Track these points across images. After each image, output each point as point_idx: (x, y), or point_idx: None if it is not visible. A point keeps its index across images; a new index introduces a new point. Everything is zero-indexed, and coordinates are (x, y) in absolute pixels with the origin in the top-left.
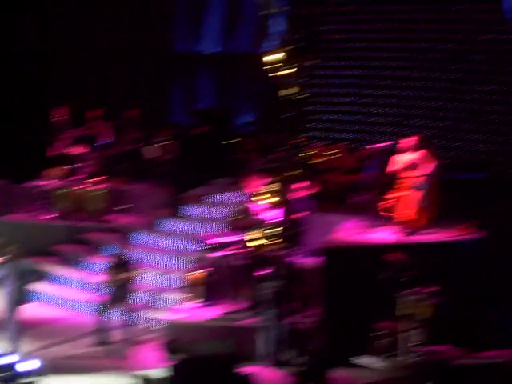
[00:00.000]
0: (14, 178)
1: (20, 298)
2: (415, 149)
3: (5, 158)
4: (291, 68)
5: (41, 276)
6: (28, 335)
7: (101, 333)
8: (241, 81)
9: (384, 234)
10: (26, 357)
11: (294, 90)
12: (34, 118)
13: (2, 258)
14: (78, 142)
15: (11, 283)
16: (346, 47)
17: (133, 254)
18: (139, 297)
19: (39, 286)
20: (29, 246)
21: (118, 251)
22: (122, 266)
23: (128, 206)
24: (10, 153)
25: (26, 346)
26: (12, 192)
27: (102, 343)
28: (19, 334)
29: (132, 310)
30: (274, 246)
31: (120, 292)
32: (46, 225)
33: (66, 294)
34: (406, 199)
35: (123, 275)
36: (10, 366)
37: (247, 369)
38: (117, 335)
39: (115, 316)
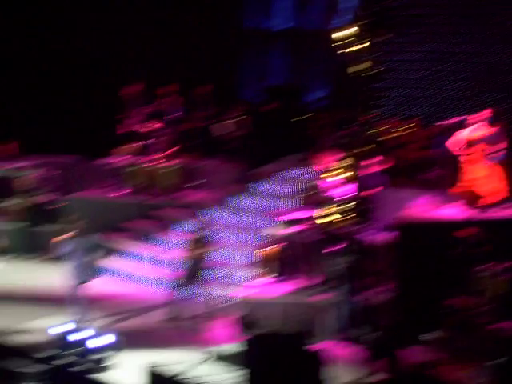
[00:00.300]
0: (87, 155)
1: (88, 272)
2: (488, 123)
3: (79, 134)
4: (363, 43)
5: (108, 251)
6: (99, 310)
7: (173, 308)
8: (312, 56)
9: (457, 210)
10: (98, 332)
11: (366, 65)
12: (108, 95)
13: (71, 232)
14: (149, 118)
15: (79, 258)
16: (419, 21)
17: (206, 230)
18: (212, 273)
19: (111, 262)
20: (101, 223)
21: (191, 228)
22: (195, 242)
23: (200, 182)
24: (83, 129)
25: (97, 321)
26: (85, 169)
27: (175, 319)
28: (89, 308)
29: (205, 286)
30: (345, 222)
31: (193, 268)
32: (118, 201)
33: (138, 269)
34: (479, 175)
35: (197, 251)
36: (83, 342)
37: (319, 345)
38: (190, 311)
39: (188, 292)
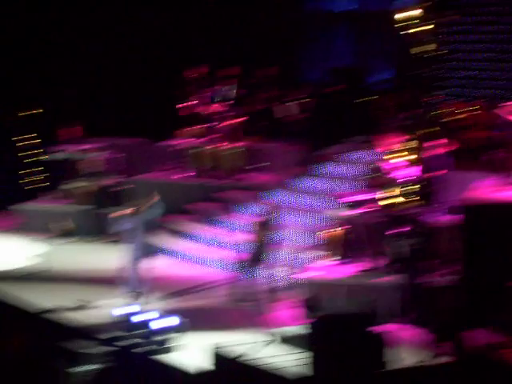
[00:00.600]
0: (151, 137)
1: (146, 251)
2: None
3: (143, 116)
4: (427, 24)
5: (172, 233)
6: (162, 292)
7: (237, 290)
8: (376, 38)
9: None
10: (162, 314)
11: (430, 46)
12: (172, 77)
13: (130, 209)
14: (213, 100)
15: (138, 236)
16: (484, 2)
17: (269, 212)
18: (276, 255)
19: (175, 244)
20: (166, 205)
21: (255, 210)
22: (259, 224)
23: (263, 164)
24: (147, 112)
25: (161, 302)
26: (150, 151)
27: (239, 301)
28: (152, 290)
29: (269, 268)
30: (409, 204)
31: (257, 250)
32: (181, 183)
33: (202, 251)
34: None
35: (260, 233)
36: (146, 323)
37: (382, 327)
38: (254, 293)
39: (252, 274)
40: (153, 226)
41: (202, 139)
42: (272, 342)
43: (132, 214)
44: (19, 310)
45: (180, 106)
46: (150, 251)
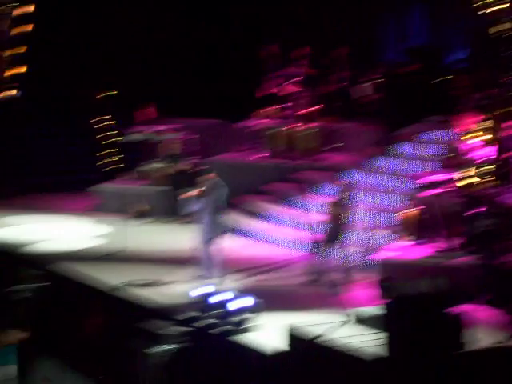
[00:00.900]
0: (226, 118)
1: (217, 231)
2: None
3: (218, 97)
4: (504, 3)
5: (248, 214)
6: (238, 272)
7: (314, 271)
8: (452, 17)
9: None
10: (237, 294)
11: (507, 25)
12: (247, 58)
13: (196, 191)
14: (288, 81)
15: (207, 217)
16: None
17: (345, 193)
18: (352, 236)
19: (250, 224)
20: (241, 185)
21: (331, 190)
22: (335, 204)
23: (338, 144)
24: (222, 93)
25: (237, 283)
26: (226, 132)
27: (315, 281)
28: (227, 270)
29: (345, 249)
30: (485, 185)
31: (333, 231)
32: (257, 164)
33: (277, 232)
34: None
35: (336, 214)
36: (223, 304)
37: (459, 308)
38: (330, 273)
39: (328, 254)
40: (222, 206)
41: (278, 120)
42: (347, 322)
43: (198, 196)
44: (96, 291)
45: (256, 86)
46: (221, 231)
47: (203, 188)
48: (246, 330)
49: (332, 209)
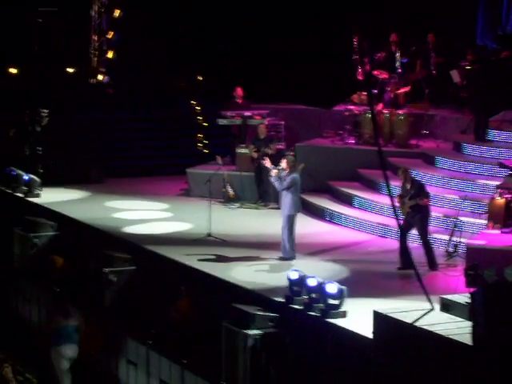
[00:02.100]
0: (317, 103)
1: (296, 208)
2: None
3: (309, 83)
4: None
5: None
6: (328, 257)
7: (402, 257)
8: None
9: None
10: (329, 279)
11: None
12: (336, 44)
13: (276, 169)
14: (380, 67)
15: (288, 194)
16: None
17: (436, 179)
18: (442, 222)
19: (338, 209)
20: (333, 170)
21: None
22: (424, 191)
23: (430, 131)
24: (314, 77)
25: (326, 267)
26: (314, 117)
27: (403, 267)
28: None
29: (432, 236)
30: None
31: (419, 217)
32: (350, 149)
33: (369, 217)
34: None
35: (425, 200)
36: (321, 286)
37: None
38: (417, 260)
39: (416, 240)
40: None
41: (365, 106)
42: (432, 310)
43: (278, 176)
44: (186, 273)
45: (347, 72)
46: (298, 210)
47: (280, 168)
48: (338, 314)
49: (421, 195)
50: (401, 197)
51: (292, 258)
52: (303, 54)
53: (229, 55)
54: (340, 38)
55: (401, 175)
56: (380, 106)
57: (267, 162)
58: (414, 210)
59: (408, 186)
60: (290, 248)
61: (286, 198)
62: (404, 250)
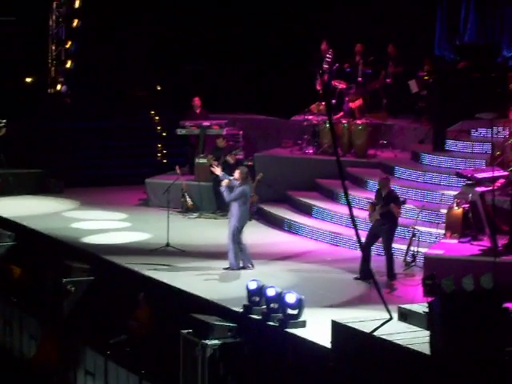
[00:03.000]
0: (276, 113)
1: (244, 220)
2: None
3: (268, 92)
4: None
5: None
6: (285, 267)
7: (362, 267)
8: (506, 12)
9: None
10: (287, 288)
11: None
12: (296, 54)
13: (227, 180)
14: (338, 77)
15: (240, 205)
16: None
17: (394, 189)
18: (400, 232)
19: (297, 219)
20: (292, 180)
21: (379, 186)
22: (383, 201)
23: (387, 141)
24: (271, 88)
25: (283, 276)
26: (273, 127)
27: (361, 278)
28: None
29: (392, 246)
30: None
31: (381, 227)
32: (308, 159)
33: (327, 227)
34: None
35: (384, 210)
36: (280, 296)
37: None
38: (376, 270)
39: (376, 250)
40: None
41: (328, 115)
42: (390, 319)
43: (228, 186)
44: (145, 283)
45: (306, 81)
46: (246, 222)
47: (231, 178)
48: (296, 324)
49: (379, 205)
50: (372, 205)
51: (235, 268)
52: (262, 64)
53: (188, 64)
54: (301, 46)
55: (380, 182)
56: (339, 116)
57: (216, 170)
58: (384, 219)
59: (383, 194)
60: (234, 258)
61: (234, 209)
62: (365, 260)
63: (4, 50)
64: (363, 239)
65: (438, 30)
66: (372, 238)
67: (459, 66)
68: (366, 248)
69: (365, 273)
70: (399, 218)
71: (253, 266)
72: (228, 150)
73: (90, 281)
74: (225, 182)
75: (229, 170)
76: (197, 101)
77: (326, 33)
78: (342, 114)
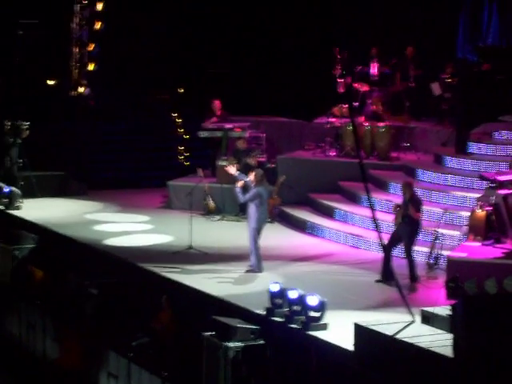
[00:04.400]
0: (297, 116)
1: (261, 221)
2: None
3: (289, 95)
4: None
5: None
6: (308, 269)
7: (384, 269)
8: None
9: None
10: (308, 291)
11: None
12: (317, 58)
13: (241, 181)
14: (361, 79)
15: (254, 206)
16: None
17: (417, 191)
18: (423, 234)
19: (319, 221)
20: (315, 182)
21: (401, 189)
22: (405, 203)
23: (410, 143)
24: (294, 91)
25: (305, 279)
26: (295, 130)
27: (382, 280)
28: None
29: (414, 248)
30: None
31: (403, 230)
32: (331, 161)
33: (349, 230)
34: None
35: (406, 213)
36: (302, 299)
37: None
38: (399, 272)
39: (398, 253)
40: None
41: (350, 118)
42: (413, 322)
43: (243, 187)
44: (167, 285)
45: (328, 84)
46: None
47: (247, 179)
48: (325, 326)
49: (402, 207)
50: (397, 207)
51: (257, 270)
52: (285, 67)
53: (212, 67)
54: (321, 50)
55: (402, 186)
56: (362, 119)
57: (230, 169)
58: (405, 223)
59: (407, 198)
60: (256, 260)
61: (251, 211)
62: (387, 263)
63: (27, 53)
64: (386, 242)
65: (461, 32)
66: (394, 240)
67: (482, 69)
68: (387, 250)
69: (387, 275)
70: (422, 221)
71: (260, 271)
72: (247, 152)
73: (112, 283)
74: (240, 183)
75: (250, 172)
76: (217, 103)
77: (348, 36)
78: (366, 115)
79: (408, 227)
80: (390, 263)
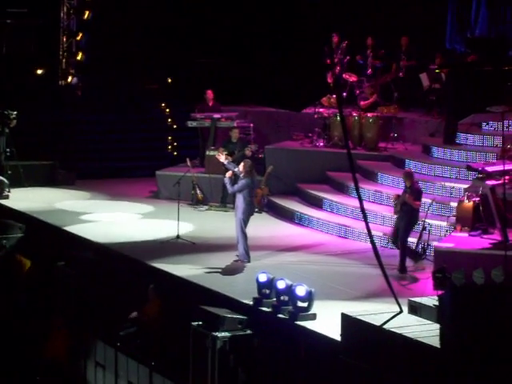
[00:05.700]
0: (290, 106)
1: (248, 212)
2: None
3: (278, 85)
4: None
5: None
6: (297, 259)
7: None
8: None
9: None
10: (298, 281)
11: None
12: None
13: (230, 172)
14: (350, 69)
15: (242, 197)
16: None
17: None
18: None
19: (310, 212)
20: (303, 173)
21: (390, 180)
22: (397, 195)
23: (399, 134)
24: (284, 80)
25: (295, 269)
26: (284, 120)
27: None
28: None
29: (405, 239)
30: None
31: (401, 219)
32: (319, 152)
33: (338, 220)
34: None
35: (397, 204)
36: (291, 289)
37: None
38: (387, 262)
39: (388, 244)
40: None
41: (335, 109)
42: (401, 312)
43: (231, 178)
44: (155, 275)
45: (317, 74)
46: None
47: (235, 169)
48: (313, 316)
49: (393, 199)
50: (397, 197)
51: (245, 260)
52: (273, 57)
53: (199, 57)
54: (313, 41)
55: (402, 175)
56: (353, 109)
57: (221, 157)
58: (404, 211)
59: (407, 187)
60: (243, 250)
61: (239, 202)
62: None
63: (15, 42)
64: (373, 232)
65: (449, 23)
66: (397, 230)
67: (469, 59)
68: (395, 242)
69: (401, 266)
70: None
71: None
72: (240, 143)
73: (100, 273)
74: (228, 174)
75: (239, 162)
76: (210, 93)
77: (338, 25)
78: (354, 105)
79: (406, 216)
80: (403, 254)
